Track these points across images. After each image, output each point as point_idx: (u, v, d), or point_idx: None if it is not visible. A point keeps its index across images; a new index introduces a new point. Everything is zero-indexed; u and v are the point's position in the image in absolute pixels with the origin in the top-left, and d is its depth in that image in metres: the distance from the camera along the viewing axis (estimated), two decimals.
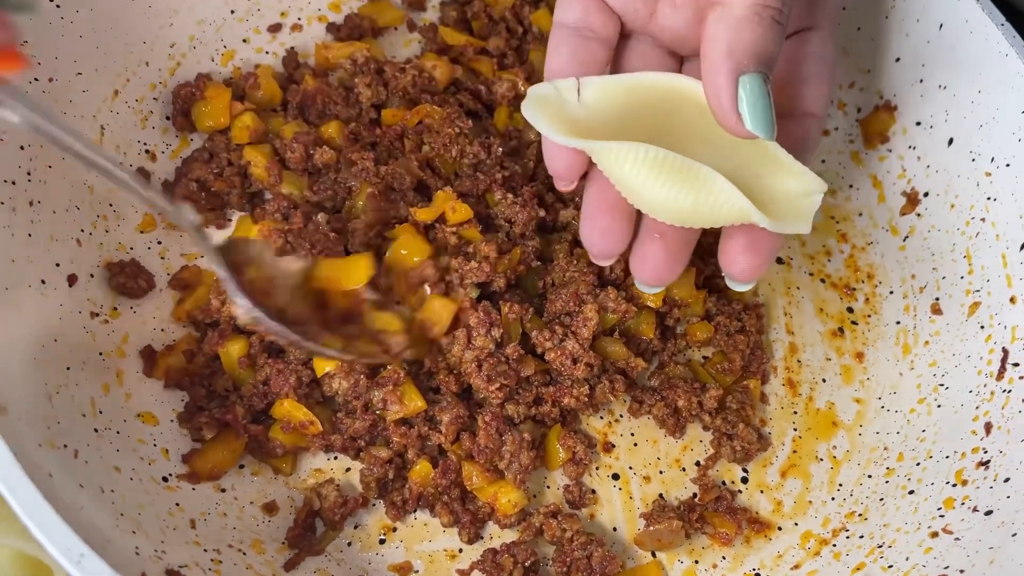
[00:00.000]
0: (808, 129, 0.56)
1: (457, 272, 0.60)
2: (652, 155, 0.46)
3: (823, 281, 0.72)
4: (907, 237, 0.72)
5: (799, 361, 0.68)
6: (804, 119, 0.56)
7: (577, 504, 0.59)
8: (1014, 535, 0.49)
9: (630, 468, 0.62)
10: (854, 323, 0.70)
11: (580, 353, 0.59)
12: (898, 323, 0.69)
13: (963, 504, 0.55)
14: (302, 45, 0.76)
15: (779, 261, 0.72)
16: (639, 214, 0.53)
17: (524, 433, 0.58)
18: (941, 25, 0.68)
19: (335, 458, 0.59)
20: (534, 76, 0.76)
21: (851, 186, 0.76)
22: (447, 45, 0.75)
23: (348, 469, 0.59)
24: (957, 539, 0.53)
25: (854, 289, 0.71)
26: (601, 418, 0.63)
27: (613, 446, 0.62)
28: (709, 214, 0.48)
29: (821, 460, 0.64)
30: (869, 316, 0.70)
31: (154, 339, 0.61)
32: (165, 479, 0.56)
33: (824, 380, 0.67)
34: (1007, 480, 0.53)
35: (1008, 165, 0.64)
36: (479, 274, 0.60)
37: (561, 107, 0.50)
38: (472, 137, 0.68)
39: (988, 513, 0.53)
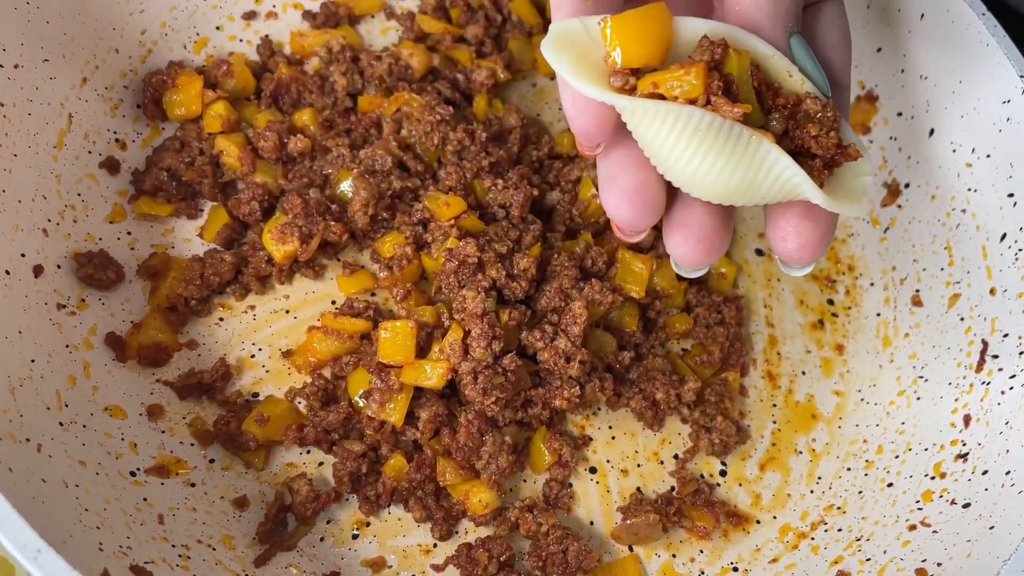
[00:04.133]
0: (838, 100, 0.49)
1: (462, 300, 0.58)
2: (698, 120, 0.38)
3: None
4: (888, 229, 0.71)
5: (779, 353, 0.67)
6: (833, 91, 0.51)
7: (554, 500, 0.59)
8: (992, 528, 0.49)
9: (608, 461, 0.61)
10: (834, 315, 0.69)
11: (573, 351, 0.58)
12: (878, 315, 0.69)
13: (941, 497, 0.55)
14: (277, 33, 0.74)
15: (759, 253, 0.72)
16: None
17: (507, 437, 0.57)
18: (923, 15, 0.67)
19: (308, 452, 0.58)
20: (513, 64, 0.75)
21: None
22: (424, 33, 0.74)
23: (321, 463, 0.58)
24: (935, 532, 0.53)
25: (835, 281, 0.71)
26: (584, 410, 0.62)
27: (591, 439, 0.62)
28: (756, 192, 0.40)
29: (800, 453, 0.63)
30: (849, 308, 0.70)
31: (122, 330, 0.60)
32: (133, 473, 0.54)
33: (804, 373, 0.67)
34: (985, 473, 0.53)
35: (989, 156, 0.64)
36: (519, 291, 0.59)
37: (588, 49, 0.40)
38: (453, 124, 0.67)
39: (966, 506, 0.52)
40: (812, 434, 0.64)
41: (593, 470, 0.61)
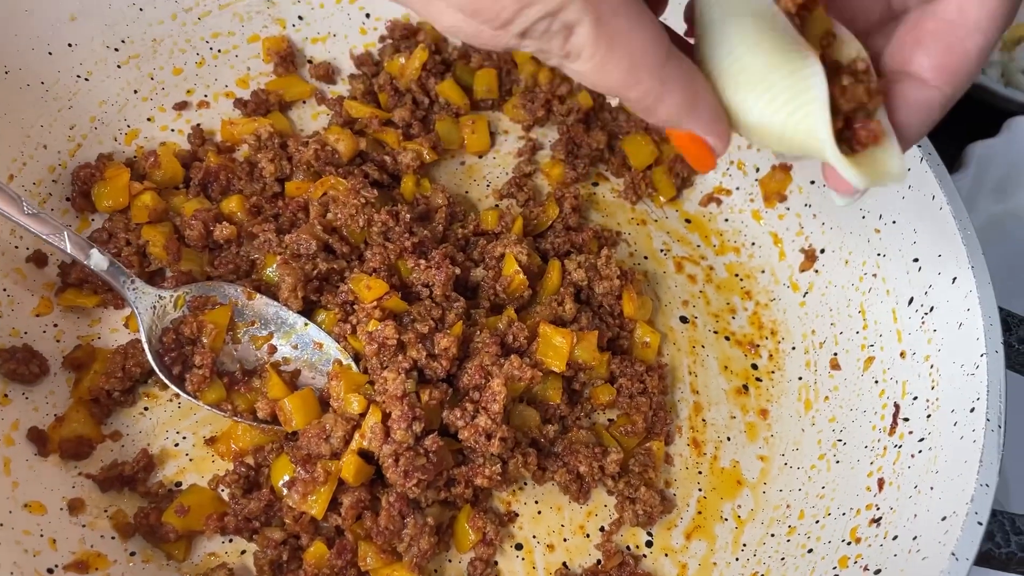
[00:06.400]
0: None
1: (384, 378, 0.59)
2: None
3: (728, 339, 0.73)
4: (807, 293, 0.73)
5: (704, 420, 0.68)
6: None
7: None
8: None
9: (534, 537, 0.62)
10: (758, 380, 0.71)
11: (493, 428, 0.59)
12: (800, 379, 0.70)
13: (856, 563, 0.55)
14: (209, 121, 0.76)
15: (683, 320, 0.73)
16: None
17: (428, 518, 0.58)
18: None
19: (230, 541, 0.58)
20: (439, 145, 0.77)
21: (753, 244, 0.77)
22: (352, 118, 0.77)
23: (243, 552, 0.58)
24: None
25: (758, 346, 0.73)
26: (507, 487, 0.63)
27: (517, 515, 0.62)
28: (786, 123, 0.41)
29: (726, 520, 0.64)
30: (773, 372, 0.71)
31: (45, 423, 0.60)
32: (50, 571, 0.54)
33: (729, 438, 0.68)
34: (895, 538, 0.54)
35: (894, 222, 0.66)
36: (440, 371, 0.61)
37: None
38: (379, 206, 0.69)
39: (877, 572, 0.53)
40: (737, 500, 0.65)
41: (519, 546, 0.61)
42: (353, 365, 0.63)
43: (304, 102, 0.80)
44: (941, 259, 0.61)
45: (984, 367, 0.54)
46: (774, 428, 0.68)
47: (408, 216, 0.68)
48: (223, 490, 0.59)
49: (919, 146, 0.63)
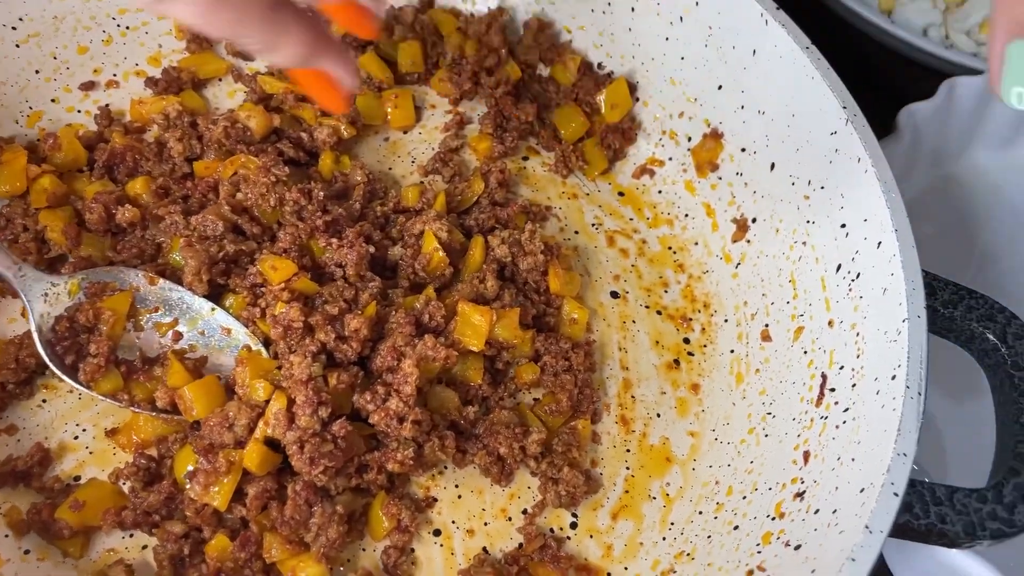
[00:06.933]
0: None
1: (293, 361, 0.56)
2: None
3: (659, 313, 0.71)
4: (739, 264, 0.71)
5: (633, 397, 0.66)
6: None
7: (393, 568, 0.57)
8: (813, 572, 0.48)
9: (453, 522, 0.59)
10: (690, 354, 0.69)
11: (405, 411, 0.57)
12: (732, 351, 0.68)
13: (778, 539, 0.54)
14: (119, 102, 0.73)
15: (614, 295, 0.71)
16: None
17: (338, 506, 0.55)
18: (755, 51, 0.68)
19: (131, 536, 0.56)
20: (359, 120, 0.74)
21: (687, 215, 0.75)
22: (268, 94, 0.74)
23: (145, 547, 0.56)
24: None
25: (691, 319, 0.71)
26: (426, 471, 0.61)
27: (435, 500, 0.60)
28: None
29: (654, 499, 0.62)
30: (705, 346, 0.69)
31: None
32: None
33: (659, 415, 0.66)
34: (817, 512, 0.52)
35: (823, 187, 0.64)
36: (351, 353, 0.58)
37: None
38: (291, 184, 0.66)
39: (797, 548, 0.51)
40: (666, 478, 0.63)
41: (437, 532, 0.59)
42: (263, 351, 0.60)
43: (220, 80, 0.77)
44: (867, 224, 0.59)
45: (906, 333, 0.52)
46: (705, 403, 0.66)
47: (321, 194, 0.65)
48: (124, 483, 0.57)
49: (844, 107, 0.61)
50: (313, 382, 0.55)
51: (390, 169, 0.75)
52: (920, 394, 0.50)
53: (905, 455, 0.48)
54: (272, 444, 0.56)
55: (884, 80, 0.91)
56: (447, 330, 0.62)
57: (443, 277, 0.65)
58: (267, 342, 0.61)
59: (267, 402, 0.56)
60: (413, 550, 0.58)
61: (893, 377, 0.52)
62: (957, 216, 0.80)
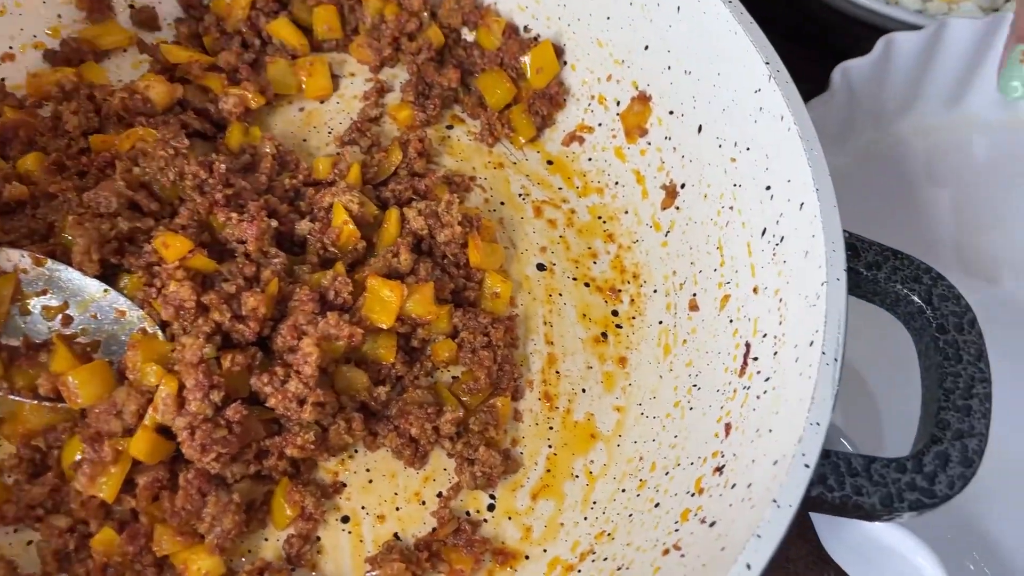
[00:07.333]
0: None
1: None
2: None
3: (587, 285, 0.68)
4: (668, 232, 0.68)
5: (558, 372, 0.63)
6: None
7: (296, 558, 0.54)
8: (722, 549, 0.45)
9: (363, 508, 0.57)
10: (618, 327, 0.66)
11: (305, 393, 0.54)
12: (660, 323, 0.66)
13: (696, 515, 0.51)
14: (17, 76, 0.69)
15: (540, 268, 0.68)
16: None
17: (235, 494, 0.52)
18: (679, 8, 0.65)
19: (15, 531, 0.53)
20: (269, 89, 0.71)
21: (617, 183, 0.72)
22: (172, 64, 0.70)
23: (30, 542, 0.53)
24: (683, 556, 0.49)
25: (620, 291, 0.68)
26: (333, 455, 0.58)
27: (344, 485, 0.57)
28: None
29: (577, 477, 0.59)
30: (634, 318, 0.67)
31: None
32: None
33: (584, 390, 0.63)
34: (733, 487, 0.50)
35: (748, 149, 0.61)
36: (248, 333, 0.55)
37: None
38: (192, 157, 0.63)
39: (712, 525, 0.49)
40: (590, 455, 0.60)
41: (346, 519, 0.56)
42: (159, 333, 0.57)
43: (125, 51, 0.73)
44: (790, 184, 0.56)
45: (824, 297, 0.50)
46: (632, 376, 0.64)
47: (223, 167, 0.62)
48: (9, 476, 0.54)
49: (767, 63, 0.58)
50: (204, 364, 0.52)
51: (305, 141, 0.72)
52: (836, 360, 0.47)
53: (818, 424, 0.45)
54: (165, 431, 0.53)
55: (831, 40, 0.88)
56: (355, 307, 0.59)
57: (355, 252, 0.62)
58: (165, 324, 0.57)
59: (159, 387, 0.52)
60: (319, 538, 0.55)
61: (811, 343, 0.49)
62: (900, 177, 0.77)
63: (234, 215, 0.59)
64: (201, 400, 0.51)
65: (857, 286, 0.54)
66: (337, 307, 0.58)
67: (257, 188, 0.64)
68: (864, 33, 0.86)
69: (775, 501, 0.43)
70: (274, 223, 0.60)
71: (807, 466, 0.44)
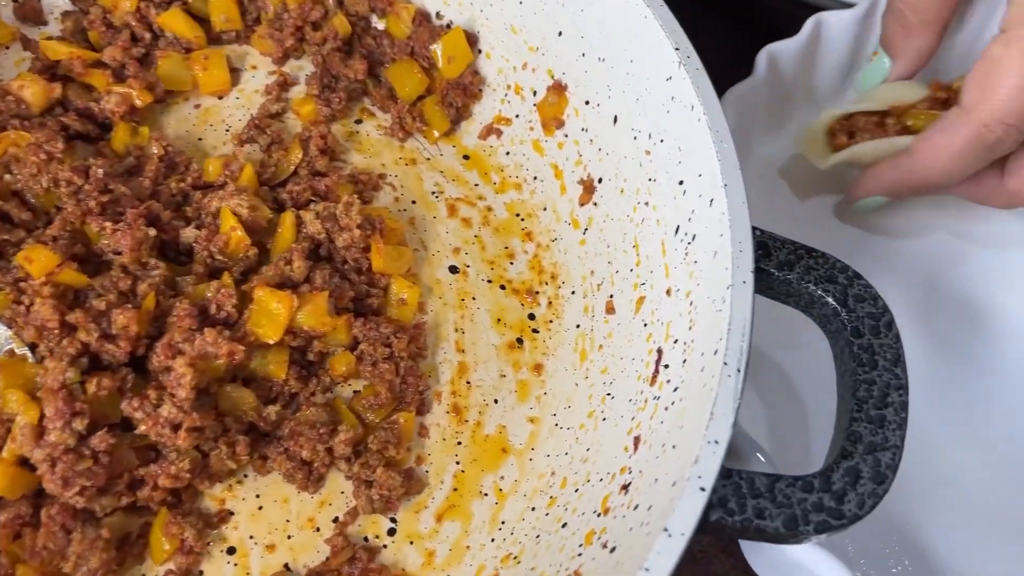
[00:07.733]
0: None
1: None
2: None
3: (503, 288, 0.64)
4: (587, 230, 0.65)
5: (469, 383, 0.60)
6: None
7: None
8: None
9: (251, 537, 0.53)
10: (535, 331, 0.62)
11: (180, 417, 0.50)
12: (578, 326, 0.62)
13: (599, 538, 0.47)
14: None
15: (453, 270, 0.64)
16: None
17: (103, 529, 0.48)
18: None
19: None
20: (158, 86, 0.66)
21: (535, 178, 0.68)
22: (52, 61, 0.65)
23: None
24: None
25: (537, 293, 0.64)
26: (218, 481, 0.54)
27: (231, 514, 0.53)
28: None
29: (485, 495, 0.56)
30: (551, 321, 0.63)
31: None
32: None
33: (496, 401, 0.59)
34: (636, 508, 0.46)
35: (662, 140, 0.57)
36: (119, 354, 0.51)
37: None
38: (68, 162, 0.58)
39: (612, 551, 0.45)
40: (500, 471, 0.57)
41: (232, 551, 0.52)
42: (29, 354, 0.53)
43: (7, 48, 0.68)
44: (701, 179, 0.52)
45: (729, 301, 0.46)
46: (548, 385, 0.60)
47: (101, 172, 0.58)
48: None
49: (676, 49, 0.55)
50: (65, 390, 0.48)
51: (200, 140, 0.67)
52: (739, 371, 0.44)
53: (716, 443, 0.41)
54: (28, 463, 0.49)
55: (779, 24, 0.84)
56: (241, 321, 0.55)
57: (247, 260, 0.58)
58: (34, 346, 0.53)
59: (17, 415, 0.48)
60: (201, 572, 0.51)
61: (715, 352, 0.46)
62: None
63: (108, 224, 0.55)
64: (61, 429, 0.47)
65: (769, 287, 0.51)
66: (219, 322, 0.54)
67: (140, 193, 0.59)
68: (807, 15, 0.82)
69: (666, 530, 0.39)
70: (153, 232, 0.56)
71: (702, 489, 0.40)
